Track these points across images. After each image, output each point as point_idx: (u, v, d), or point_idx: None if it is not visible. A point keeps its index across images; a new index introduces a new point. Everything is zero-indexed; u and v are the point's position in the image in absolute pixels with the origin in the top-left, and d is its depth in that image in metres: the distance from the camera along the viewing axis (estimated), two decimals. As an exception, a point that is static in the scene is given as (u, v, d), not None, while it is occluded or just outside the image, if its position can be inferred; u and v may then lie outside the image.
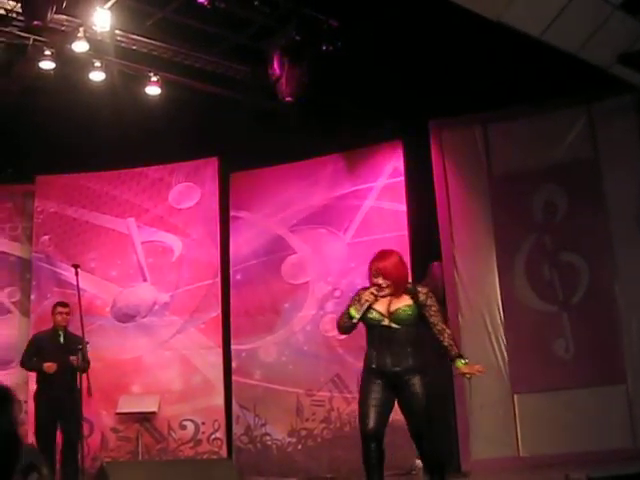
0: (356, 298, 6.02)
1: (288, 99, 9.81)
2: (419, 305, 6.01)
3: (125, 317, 11.31)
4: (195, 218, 11.45)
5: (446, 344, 6.00)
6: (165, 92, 10.32)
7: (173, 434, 10.80)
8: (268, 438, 10.81)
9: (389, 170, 10.83)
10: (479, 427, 9.84)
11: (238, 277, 11.38)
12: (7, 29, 9.40)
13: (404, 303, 6.00)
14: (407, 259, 10.33)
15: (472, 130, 10.57)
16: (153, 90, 10.28)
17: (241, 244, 11.46)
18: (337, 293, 10.85)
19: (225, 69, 10.36)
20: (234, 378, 11.09)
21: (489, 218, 10.34)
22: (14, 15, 9.12)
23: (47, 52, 9.66)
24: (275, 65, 9.76)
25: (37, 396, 9.03)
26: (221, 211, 11.48)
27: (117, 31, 9.52)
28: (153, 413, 10.69)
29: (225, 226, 11.47)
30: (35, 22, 8.75)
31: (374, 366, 5.94)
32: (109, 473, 5.72)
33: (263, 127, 10.75)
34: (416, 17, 8.87)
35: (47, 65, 9.75)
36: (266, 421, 10.87)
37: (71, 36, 9.34)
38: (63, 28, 9.33)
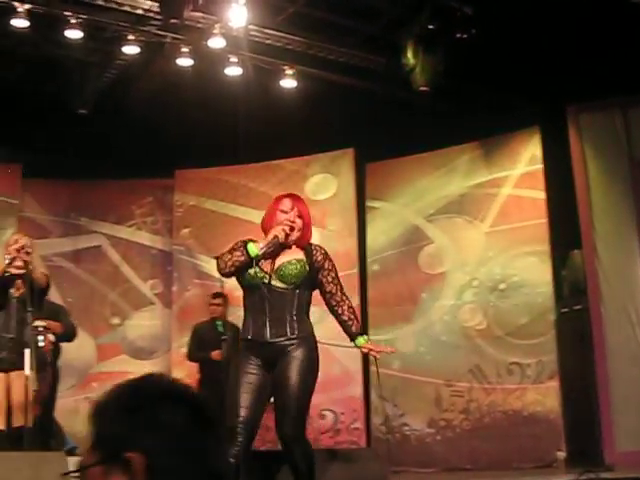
0: (238, 245, 5.01)
1: (423, 88, 9.75)
2: (313, 265, 5.09)
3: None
4: (332, 209, 11.51)
5: (345, 318, 5.18)
6: (300, 85, 10.42)
7: (313, 424, 10.88)
8: (407, 428, 10.79)
9: (527, 157, 10.63)
10: (623, 419, 9.58)
11: (375, 267, 11.38)
12: (145, 28, 9.67)
13: (293, 257, 5.03)
14: (547, 248, 10.21)
15: (611, 115, 10.27)
16: (289, 83, 10.39)
17: (378, 234, 11.46)
18: (475, 283, 10.74)
19: (359, 60, 10.38)
20: (372, 368, 11.09)
21: (631, 205, 10.03)
22: (151, 14, 9.37)
23: (184, 49, 9.89)
24: (409, 54, 9.71)
25: (201, 385, 9.23)
26: (357, 202, 11.50)
27: (251, 26, 9.67)
28: (292, 403, 10.79)
29: (361, 217, 11.48)
30: (172, 20, 8.99)
31: (250, 337, 4.97)
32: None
33: (398, 117, 10.72)
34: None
35: (184, 62, 9.98)
36: (405, 411, 10.85)
37: (207, 33, 9.53)
38: (199, 25, 9.53)
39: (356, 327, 5.22)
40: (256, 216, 11.30)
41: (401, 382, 10.93)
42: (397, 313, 11.15)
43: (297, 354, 4.94)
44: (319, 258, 5.14)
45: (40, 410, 7.64)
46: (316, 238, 11.26)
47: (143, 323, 11.77)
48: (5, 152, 11.70)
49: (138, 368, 11.44)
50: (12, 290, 6.81)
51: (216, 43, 9.53)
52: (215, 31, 9.44)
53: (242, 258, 4.86)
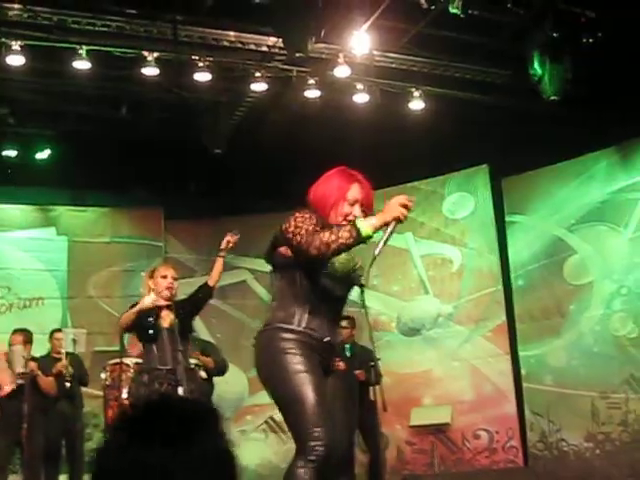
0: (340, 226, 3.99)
1: (553, 98, 9.60)
2: None
3: (411, 331, 11.46)
4: (471, 227, 11.42)
5: None
6: (427, 105, 10.41)
7: (467, 444, 10.79)
8: (564, 444, 10.55)
9: (667, 158, 10.34)
10: None
11: (520, 283, 11.21)
12: (271, 64, 9.86)
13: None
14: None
15: None
16: (416, 105, 10.40)
17: (520, 249, 11.30)
18: (624, 290, 10.45)
19: (485, 75, 10.32)
20: (525, 385, 10.92)
21: None
22: (276, 50, 9.54)
23: (311, 81, 10.03)
24: (536, 65, 9.58)
25: None
26: (496, 217, 11.37)
27: (375, 52, 9.74)
28: (446, 424, 10.72)
29: (501, 232, 11.35)
30: (297, 54, 9.12)
31: (317, 335, 4.01)
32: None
33: (530, 129, 10.57)
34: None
35: (312, 94, 10.12)
36: (561, 427, 10.61)
37: (332, 63, 9.64)
38: (324, 56, 9.66)
39: None
40: (397, 240, 11.32)
41: (555, 397, 10.71)
42: (545, 327, 10.94)
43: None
44: None
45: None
46: (457, 257, 11.31)
47: (292, 353, 11.89)
48: (147, 196, 12.13)
49: (290, 398, 11.58)
50: (160, 321, 6.92)
51: (342, 72, 9.63)
52: (340, 60, 9.54)
53: (351, 240, 3.79)
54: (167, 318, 6.90)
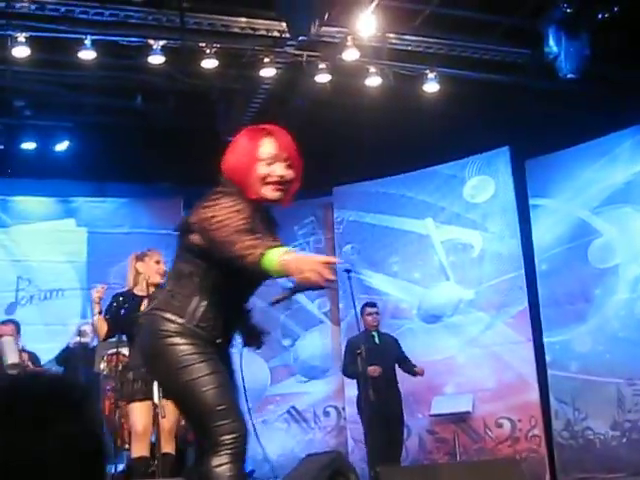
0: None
1: (570, 76, 9.33)
2: None
3: (432, 318, 11.25)
4: (492, 211, 11.17)
5: None
6: (443, 88, 10.18)
7: (490, 433, 10.56)
8: (590, 432, 10.27)
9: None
10: None
11: (544, 267, 10.94)
12: (282, 49, 9.71)
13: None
14: None
15: None
16: (432, 87, 10.17)
17: (543, 232, 11.01)
18: (652, 273, 10.16)
19: (503, 55, 10.05)
20: (550, 372, 10.66)
21: None
22: (286, 36, 9.38)
23: (321, 65, 9.87)
24: (551, 42, 9.31)
25: (359, 401, 9.07)
26: (518, 201, 11.10)
27: (389, 34, 9.55)
28: (468, 413, 10.51)
29: (524, 216, 11.08)
30: (300, 38, 8.96)
31: (207, 336, 3.53)
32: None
33: (550, 109, 10.34)
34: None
35: (323, 78, 9.96)
36: (587, 415, 10.33)
37: (341, 46, 9.47)
38: (332, 40, 9.49)
39: None
40: (417, 226, 11.19)
41: (580, 384, 10.44)
42: (570, 312, 10.66)
43: None
44: None
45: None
46: (478, 241, 11.08)
47: (314, 342, 11.78)
48: (166, 188, 12.07)
49: (312, 388, 11.48)
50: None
51: (351, 55, 9.45)
52: (348, 43, 9.36)
53: (255, 265, 3.17)
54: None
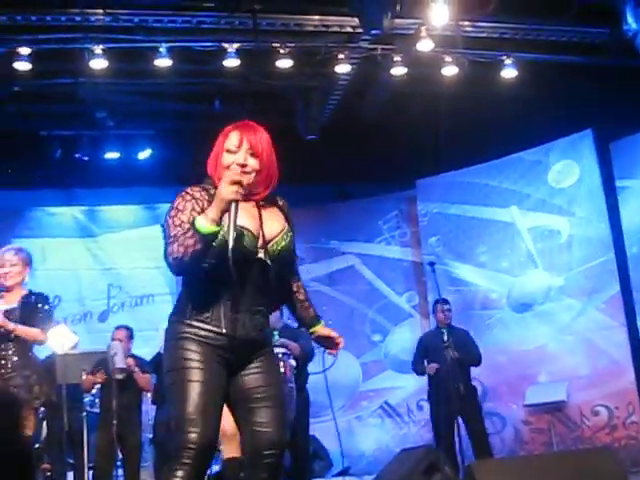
0: (189, 196, 3.55)
1: (650, 52, 9.12)
2: (291, 229, 3.72)
3: (522, 306, 11.09)
4: (578, 195, 10.95)
5: (302, 297, 3.92)
6: (521, 73, 10.02)
7: (586, 421, 10.35)
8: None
9: None
10: None
11: (634, 250, 10.67)
12: (356, 45, 9.68)
13: (282, 224, 3.70)
14: None
15: None
16: (509, 73, 10.03)
17: (632, 214, 10.73)
18: None
19: (580, 36, 9.86)
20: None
21: None
22: (360, 30, 9.34)
23: (396, 58, 9.81)
24: (629, 19, 9.10)
25: (430, 395, 9.10)
26: (604, 183, 10.86)
27: (464, 22, 9.45)
28: (563, 402, 10.33)
29: (611, 198, 10.82)
30: (373, 31, 8.91)
31: (225, 332, 3.48)
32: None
33: (632, 88, 10.07)
34: None
35: (399, 71, 9.90)
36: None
37: (415, 37, 9.39)
38: (406, 31, 9.42)
39: (313, 310, 3.91)
40: (502, 214, 11.06)
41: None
42: (664, 296, 10.39)
43: (269, 358, 3.70)
44: (290, 218, 3.77)
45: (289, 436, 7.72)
46: (565, 227, 10.88)
47: (404, 337, 11.72)
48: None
49: (404, 382, 11.42)
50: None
51: (425, 46, 9.36)
52: (422, 34, 9.28)
53: (199, 245, 3.29)
54: None
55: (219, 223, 3.30)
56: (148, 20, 9.14)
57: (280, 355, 7.74)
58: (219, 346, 3.48)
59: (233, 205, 3.32)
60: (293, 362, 8.05)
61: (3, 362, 6.01)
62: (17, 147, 11.16)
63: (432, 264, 9.04)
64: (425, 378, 9.26)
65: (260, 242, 3.55)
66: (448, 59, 9.85)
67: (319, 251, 12.19)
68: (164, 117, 11.30)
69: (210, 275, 3.45)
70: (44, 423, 8.62)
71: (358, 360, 11.71)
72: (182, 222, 3.40)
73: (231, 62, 9.41)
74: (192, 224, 3.30)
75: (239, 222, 3.38)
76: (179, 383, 3.42)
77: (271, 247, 3.58)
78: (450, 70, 9.90)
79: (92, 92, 10.35)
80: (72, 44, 9.29)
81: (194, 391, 3.38)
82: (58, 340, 8.48)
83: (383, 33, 8.95)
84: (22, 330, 6.13)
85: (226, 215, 3.33)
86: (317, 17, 9.42)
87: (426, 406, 10.75)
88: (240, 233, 3.41)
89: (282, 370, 7.64)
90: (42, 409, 8.00)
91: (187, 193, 3.55)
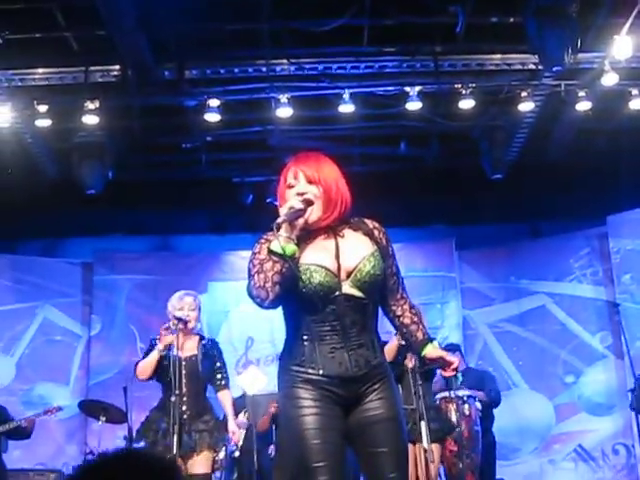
0: (264, 239, 3.56)
1: None
2: (381, 253, 3.58)
3: None
4: None
5: (408, 321, 3.68)
6: None
7: None
8: None
9: None
10: None
11: None
12: (539, 82, 9.59)
13: (366, 248, 3.56)
14: None
15: None
16: None
17: None
18: None
19: None
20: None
21: None
22: (541, 67, 9.27)
23: (581, 93, 9.66)
24: None
25: None
26: None
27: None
28: None
29: None
30: (554, 68, 8.81)
31: (322, 372, 3.45)
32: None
33: None
34: None
35: (584, 106, 9.74)
36: None
37: (599, 71, 9.23)
38: (589, 66, 9.28)
39: (422, 332, 3.70)
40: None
41: None
42: None
43: (386, 393, 3.55)
44: (383, 240, 3.64)
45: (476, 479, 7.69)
46: None
47: (597, 378, 11.36)
48: (439, 229, 12.23)
49: (598, 425, 11.08)
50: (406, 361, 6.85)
51: (610, 80, 9.17)
52: (606, 68, 9.11)
53: (277, 266, 3.34)
54: None
55: (293, 239, 3.39)
56: (332, 67, 9.41)
57: (465, 398, 7.74)
58: (324, 385, 3.46)
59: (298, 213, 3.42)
60: (479, 405, 8.03)
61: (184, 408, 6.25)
62: (211, 194, 11.62)
63: (617, 305, 8.77)
64: (622, 421, 8.94)
65: (343, 275, 3.47)
66: (635, 92, 9.61)
67: (509, 291, 12.04)
68: (351, 160, 11.49)
69: (299, 316, 3.50)
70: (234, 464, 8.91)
71: (551, 402, 11.44)
72: (260, 260, 3.44)
73: (413, 105, 9.51)
74: (268, 250, 3.38)
75: (309, 260, 3.45)
76: (296, 434, 3.44)
77: (354, 277, 3.48)
78: (637, 103, 9.66)
79: (280, 139, 10.69)
80: (259, 94, 9.67)
81: (313, 440, 3.38)
82: (249, 381, 8.81)
83: (565, 69, 8.84)
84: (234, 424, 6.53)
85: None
86: (498, 56, 9.45)
87: (622, 450, 10.42)
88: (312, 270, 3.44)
89: (467, 412, 7.66)
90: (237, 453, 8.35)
91: (262, 238, 3.59)
